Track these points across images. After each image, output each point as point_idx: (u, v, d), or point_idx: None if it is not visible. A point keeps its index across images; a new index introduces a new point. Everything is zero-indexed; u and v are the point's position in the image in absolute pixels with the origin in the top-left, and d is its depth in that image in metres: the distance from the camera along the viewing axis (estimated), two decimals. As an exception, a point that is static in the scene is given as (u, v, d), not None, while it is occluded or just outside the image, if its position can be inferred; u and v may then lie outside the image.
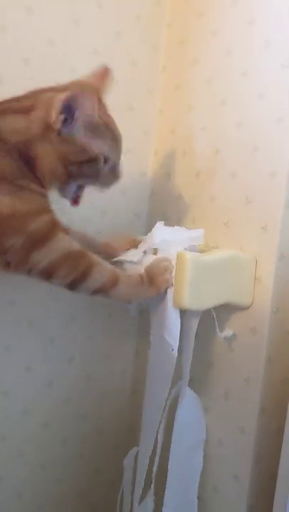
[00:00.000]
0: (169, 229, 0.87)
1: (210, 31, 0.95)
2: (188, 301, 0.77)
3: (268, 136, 0.83)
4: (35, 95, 0.76)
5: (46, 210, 0.75)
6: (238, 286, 0.83)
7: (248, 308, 0.85)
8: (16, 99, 0.77)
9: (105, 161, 0.78)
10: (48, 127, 0.73)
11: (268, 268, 0.82)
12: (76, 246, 0.76)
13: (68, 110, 0.72)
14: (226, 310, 0.86)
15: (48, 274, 0.73)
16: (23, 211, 0.72)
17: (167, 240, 0.82)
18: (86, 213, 0.98)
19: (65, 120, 0.73)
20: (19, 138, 0.74)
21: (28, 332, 0.98)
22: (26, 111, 0.75)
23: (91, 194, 0.83)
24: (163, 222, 0.88)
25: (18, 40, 0.90)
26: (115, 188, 1.01)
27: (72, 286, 0.75)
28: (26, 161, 0.74)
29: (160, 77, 1.07)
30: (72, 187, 0.79)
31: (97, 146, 0.76)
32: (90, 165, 0.76)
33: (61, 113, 0.72)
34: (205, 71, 0.96)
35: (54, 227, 0.75)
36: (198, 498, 0.89)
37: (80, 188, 0.80)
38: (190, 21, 1.00)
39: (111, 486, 1.05)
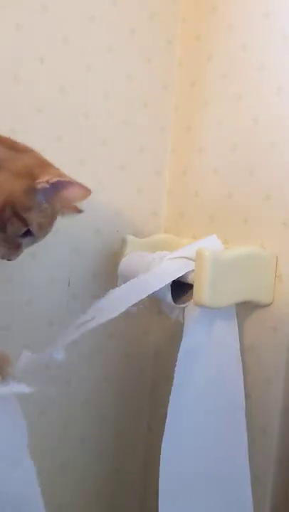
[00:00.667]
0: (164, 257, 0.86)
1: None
2: (208, 299, 0.76)
3: (286, 130, 0.82)
4: (29, 148, 0.77)
5: None
6: (259, 283, 0.82)
7: (268, 306, 0.84)
8: (12, 140, 0.77)
9: (26, 233, 0.75)
10: (27, 175, 0.73)
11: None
12: None
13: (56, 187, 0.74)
14: (246, 308, 0.85)
15: None
16: None
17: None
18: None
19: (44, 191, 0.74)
20: None
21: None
22: (16, 150, 0.76)
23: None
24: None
25: (32, 38, 0.90)
26: (132, 184, 1.03)
27: None
28: None
29: (176, 73, 1.06)
30: None
31: (33, 217, 0.75)
32: (17, 224, 0.74)
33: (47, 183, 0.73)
34: (221, 67, 0.95)
35: None
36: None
37: None
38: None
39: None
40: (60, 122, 0.94)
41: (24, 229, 0.75)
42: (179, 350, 0.82)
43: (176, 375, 0.82)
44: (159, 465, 0.83)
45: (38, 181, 0.72)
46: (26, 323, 0.95)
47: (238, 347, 0.86)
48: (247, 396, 0.86)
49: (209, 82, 0.97)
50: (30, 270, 0.94)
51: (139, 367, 1.09)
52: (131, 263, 0.91)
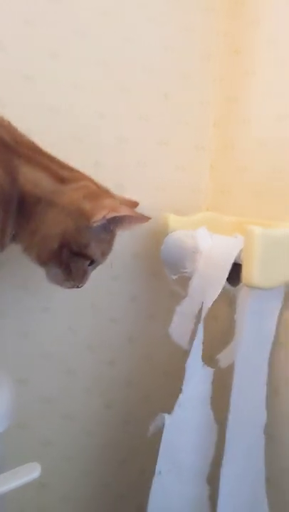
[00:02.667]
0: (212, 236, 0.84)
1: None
2: (258, 279, 0.72)
3: None
4: (76, 174, 0.74)
5: None
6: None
7: None
8: (58, 163, 0.73)
9: (91, 263, 0.74)
10: (80, 213, 0.70)
11: None
12: None
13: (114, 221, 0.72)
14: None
15: None
16: None
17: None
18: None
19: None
20: (36, 191, 0.69)
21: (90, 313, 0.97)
22: (61, 180, 0.71)
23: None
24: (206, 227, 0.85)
25: (69, 11, 0.87)
26: (173, 161, 0.99)
27: None
28: (21, 211, 0.69)
29: (218, 41, 1.00)
30: (55, 271, 0.73)
31: (96, 248, 0.73)
32: (80, 260, 0.72)
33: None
34: (268, 32, 0.89)
35: None
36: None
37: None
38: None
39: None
40: (100, 98, 0.91)
41: (87, 262, 0.74)
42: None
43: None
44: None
45: (93, 221, 0.69)
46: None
47: (273, 335, 0.83)
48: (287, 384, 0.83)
49: (255, 49, 0.92)
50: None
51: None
52: (175, 241, 0.88)
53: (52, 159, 0.72)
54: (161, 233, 0.93)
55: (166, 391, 1.06)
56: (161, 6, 0.95)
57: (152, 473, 0.84)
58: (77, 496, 1.02)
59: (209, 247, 0.81)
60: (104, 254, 0.75)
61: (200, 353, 0.82)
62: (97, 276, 0.95)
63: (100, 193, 0.73)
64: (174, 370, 1.07)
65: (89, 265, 0.74)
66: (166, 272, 0.92)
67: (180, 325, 0.85)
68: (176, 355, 1.08)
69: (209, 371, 0.84)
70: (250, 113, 0.93)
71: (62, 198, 0.70)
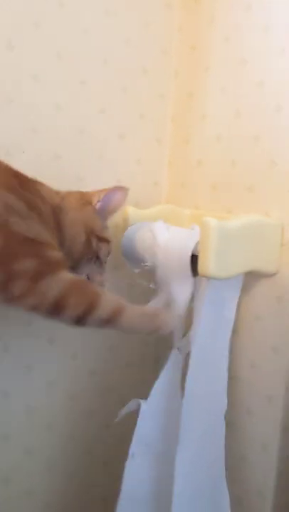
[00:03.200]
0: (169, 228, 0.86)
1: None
2: (214, 270, 0.75)
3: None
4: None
5: (59, 251, 0.74)
6: (264, 253, 0.80)
7: (274, 275, 0.83)
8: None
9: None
10: (83, 204, 0.81)
11: (295, 233, 0.80)
12: (81, 277, 0.76)
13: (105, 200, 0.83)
14: (251, 277, 0.84)
15: (57, 307, 0.67)
16: (45, 240, 0.70)
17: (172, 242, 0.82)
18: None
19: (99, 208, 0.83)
20: (53, 203, 0.78)
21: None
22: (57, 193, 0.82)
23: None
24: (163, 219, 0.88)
25: (26, 2, 0.86)
26: (132, 154, 1.00)
27: (82, 318, 0.69)
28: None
29: (175, 37, 1.02)
30: (85, 268, 0.81)
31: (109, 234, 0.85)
32: (104, 246, 0.82)
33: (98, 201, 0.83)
34: (223, 29, 0.91)
35: (65, 263, 0.72)
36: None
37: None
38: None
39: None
40: (57, 90, 0.91)
41: (110, 247, 0.84)
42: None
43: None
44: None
45: (95, 203, 0.82)
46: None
47: (232, 323, 0.85)
48: (251, 366, 0.86)
49: (211, 45, 0.94)
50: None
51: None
52: (134, 234, 0.89)
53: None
54: (121, 226, 0.94)
55: (129, 382, 1.08)
56: (120, 0, 0.95)
57: (117, 463, 0.85)
58: (42, 490, 1.02)
59: (166, 239, 0.82)
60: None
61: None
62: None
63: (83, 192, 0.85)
64: (137, 361, 1.09)
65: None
66: (128, 265, 0.93)
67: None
68: (139, 346, 1.10)
69: (180, 357, 0.86)
70: (206, 109, 0.95)
71: (70, 199, 0.81)
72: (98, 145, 0.97)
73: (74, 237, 0.79)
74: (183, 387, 0.83)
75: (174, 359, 0.87)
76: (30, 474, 1.00)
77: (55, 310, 0.67)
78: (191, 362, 0.81)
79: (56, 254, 0.71)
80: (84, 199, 0.82)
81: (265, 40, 0.84)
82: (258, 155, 0.84)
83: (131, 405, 0.87)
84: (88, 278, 0.81)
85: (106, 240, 0.83)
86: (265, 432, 0.85)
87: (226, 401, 0.86)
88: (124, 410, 0.87)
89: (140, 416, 0.85)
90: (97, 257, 0.82)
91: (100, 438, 1.06)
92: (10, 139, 0.87)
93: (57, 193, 0.81)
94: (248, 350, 0.87)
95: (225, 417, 0.86)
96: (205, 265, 0.74)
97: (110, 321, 0.70)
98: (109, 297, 0.72)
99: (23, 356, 0.95)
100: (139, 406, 0.86)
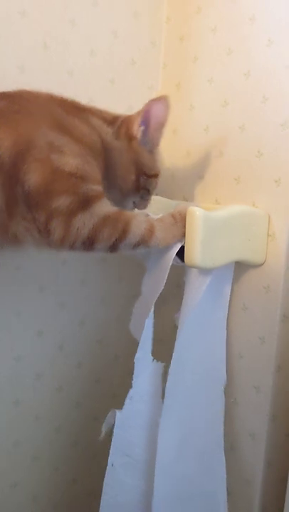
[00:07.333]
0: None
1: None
2: (200, 259, 0.75)
3: (278, 84, 0.79)
4: (113, 115, 0.83)
5: (100, 183, 0.75)
6: (251, 243, 0.81)
7: (261, 265, 0.83)
8: (98, 109, 0.83)
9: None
10: (129, 139, 0.80)
11: (281, 224, 0.80)
12: (114, 208, 0.74)
13: (145, 120, 0.81)
14: (238, 267, 0.84)
15: (91, 241, 0.70)
16: (85, 174, 0.71)
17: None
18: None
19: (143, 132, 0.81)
20: (103, 138, 0.78)
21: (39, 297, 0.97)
22: (110, 123, 0.81)
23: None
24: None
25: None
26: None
27: (114, 247, 0.72)
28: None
29: (164, 28, 1.01)
30: (129, 204, 0.84)
31: (158, 164, 0.85)
32: (153, 180, 0.84)
33: (140, 125, 0.80)
34: (210, 20, 0.91)
35: (102, 193, 0.73)
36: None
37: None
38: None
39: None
40: (43, 80, 0.90)
41: (158, 179, 0.85)
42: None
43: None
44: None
45: (134, 131, 0.80)
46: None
47: (226, 312, 0.85)
48: (240, 356, 0.86)
49: (199, 36, 0.94)
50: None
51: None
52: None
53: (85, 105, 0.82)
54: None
55: (116, 374, 1.08)
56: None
57: (105, 456, 0.85)
58: (28, 482, 1.02)
59: None
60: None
61: (149, 348, 0.83)
62: (45, 260, 0.96)
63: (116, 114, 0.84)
64: (125, 353, 1.09)
65: None
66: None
67: (137, 321, 0.86)
68: (127, 339, 1.10)
69: (159, 366, 0.85)
70: (194, 99, 0.95)
71: (116, 143, 0.80)
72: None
73: (124, 177, 0.81)
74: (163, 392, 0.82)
75: (151, 367, 0.85)
76: (18, 466, 1.00)
77: (89, 244, 0.70)
78: (176, 349, 0.80)
79: (93, 188, 0.71)
80: (128, 134, 0.81)
81: (251, 31, 0.83)
82: (245, 145, 0.84)
83: (109, 419, 0.85)
84: (134, 204, 0.85)
85: (155, 176, 0.84)
86: (254, 422, 0.85)
87: (225, 376, 0.86)
88: (104, 426, 0.85)
89: (116, 426, 0.84)
90: (146, 190, 0.84)
91: (88, 430, 1.07)
92: None
93: (109, 122, 0.81)
94: (235, 340, 0.87)
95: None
96: (191, 255, 0.74)
97: (142, 243, 0.73)
98: (140, 220, 0.74)
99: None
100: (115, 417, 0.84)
